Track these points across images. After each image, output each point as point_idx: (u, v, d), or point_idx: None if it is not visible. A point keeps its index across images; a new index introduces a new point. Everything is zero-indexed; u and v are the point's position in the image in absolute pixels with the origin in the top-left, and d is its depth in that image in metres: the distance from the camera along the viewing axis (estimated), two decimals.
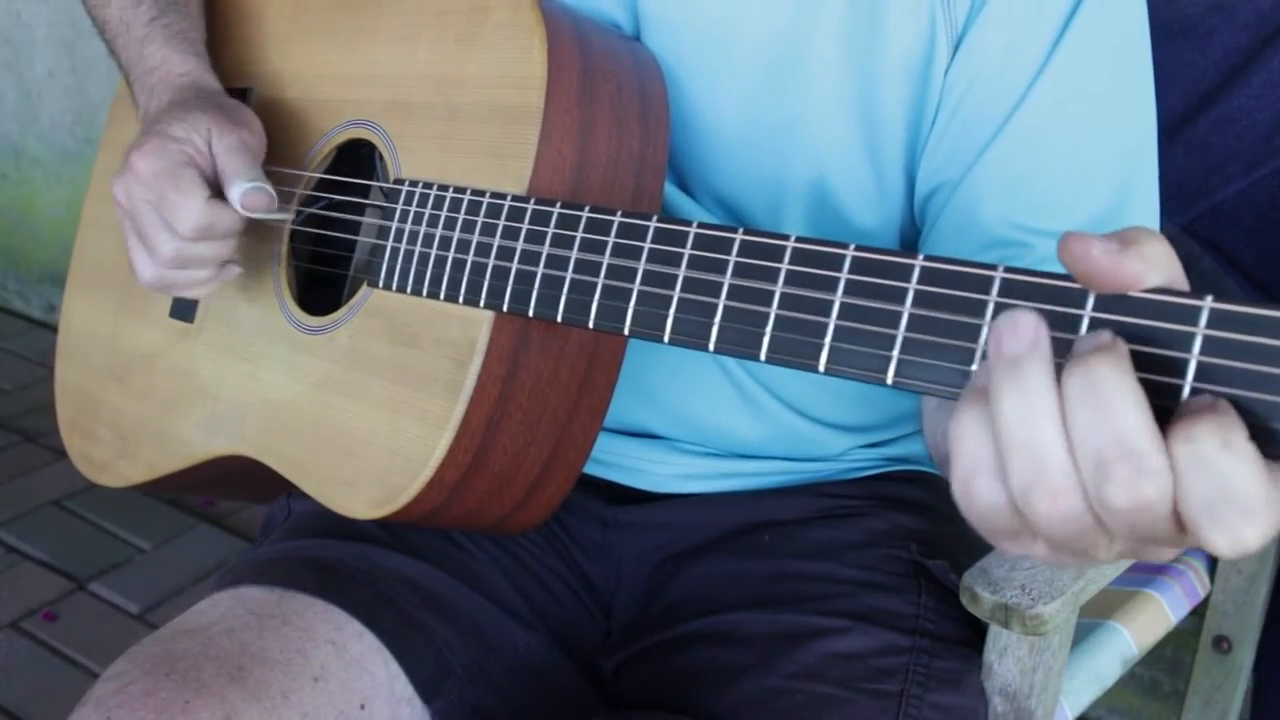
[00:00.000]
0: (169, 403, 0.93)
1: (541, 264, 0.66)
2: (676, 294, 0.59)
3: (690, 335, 0.58)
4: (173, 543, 1.99)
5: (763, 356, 0.55)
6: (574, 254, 0.64)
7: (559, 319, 0.65)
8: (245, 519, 2.06)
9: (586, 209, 0.64)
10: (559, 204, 0.66)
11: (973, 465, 0.43)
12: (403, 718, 0.77)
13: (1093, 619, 0.98)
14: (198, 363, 0.91)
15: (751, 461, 0.89)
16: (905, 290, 0.50)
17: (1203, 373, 0.42)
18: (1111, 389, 0.40)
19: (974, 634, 0.82)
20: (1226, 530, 0.39)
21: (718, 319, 0.57)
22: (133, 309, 0.99)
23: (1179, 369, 0.42)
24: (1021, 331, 0.42)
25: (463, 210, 0.71)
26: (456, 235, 0.71)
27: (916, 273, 0.50)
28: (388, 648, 0.77)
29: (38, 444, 2.27)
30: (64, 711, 0.70)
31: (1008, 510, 0.43)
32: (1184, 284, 0.44)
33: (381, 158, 0.83)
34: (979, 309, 0.48)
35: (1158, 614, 1.01)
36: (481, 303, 0.69)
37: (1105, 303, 0.44)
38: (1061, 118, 0.72)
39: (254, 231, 0.86)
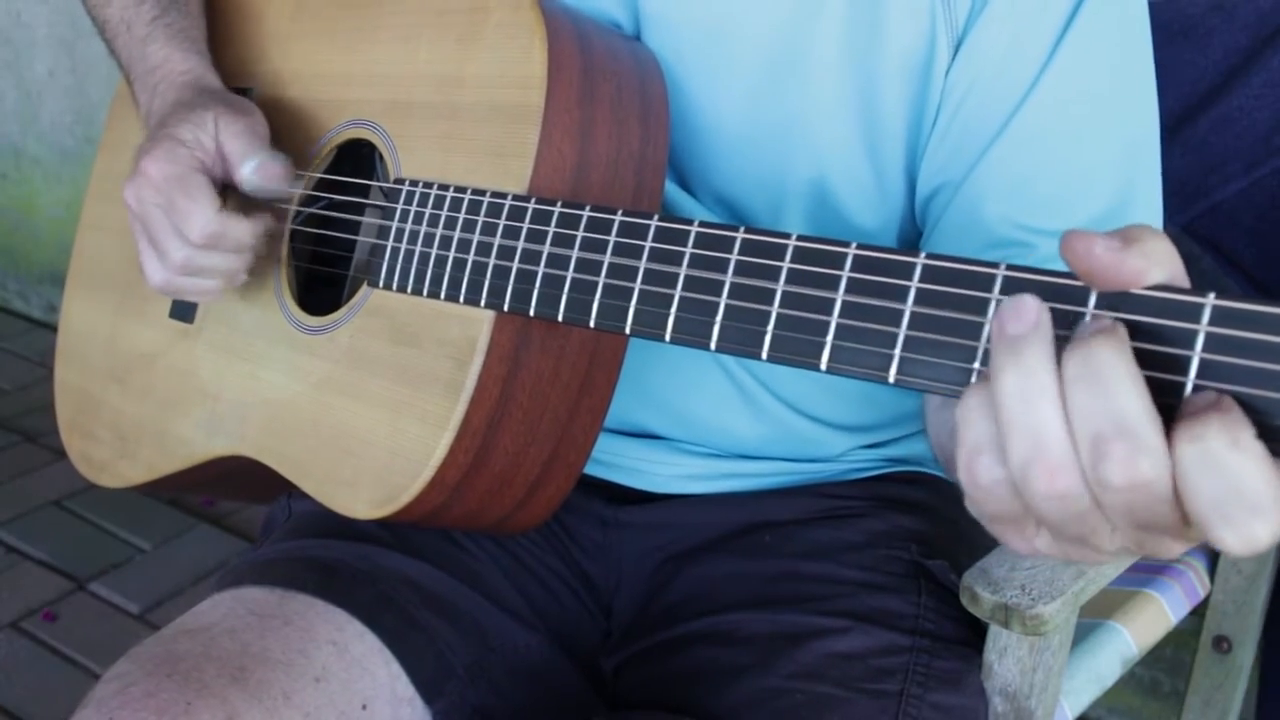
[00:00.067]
0: (169, 403, 0.92)
1: (542, 263, 0.66)
2: (678, 293, 0.58)
3: (692, 334, 0.58)
4: (173, 543, 1.99)
5: (764, 355, 0.54)
6: (575, 253, 0.64)
7: (560, 318, 0.65)
8: (245, 519, 2.06)
9: (587, 208, 0.64)
10: (560, 203, 0.66)
11: (975, 444, 0.44)
12: (404, 718, 0.77)
13: (1093, 619, 0.97)
14: (197, 363, 0.91)
15: (752, 462, 0.89)
16: (907, 288, 0.50)
17: (1205, 369, 0.42)
18: (1110, 370, 0.41)
19: (974, 634, 0.82)
20: (1238, 529, 0.39)
21: (719, 318, 0.56)
22: (132, 309, 0.99)
23: (1181, 366, 0.42)
24: (1024, 313, 0.43)
25: (463, 210, 0.71)
26: (457, 235, 0.71)
27: (919, 271, 0.50)
28: (389, 648, 0.77)
29: (38, 444, 2.27)
30: (64, 711, 0.70)
31: (1008, 490, 0.44)
32: (1185, 282, 0.44)
33: (382, 157, 0.83)
34: (981, 307, 0.48)
35: (1158, 614, 1.01)
36: (482, 302, 0.69)
37: (1107, 300, 0.44)
38: (1063, 117, 0.72)
39: None
